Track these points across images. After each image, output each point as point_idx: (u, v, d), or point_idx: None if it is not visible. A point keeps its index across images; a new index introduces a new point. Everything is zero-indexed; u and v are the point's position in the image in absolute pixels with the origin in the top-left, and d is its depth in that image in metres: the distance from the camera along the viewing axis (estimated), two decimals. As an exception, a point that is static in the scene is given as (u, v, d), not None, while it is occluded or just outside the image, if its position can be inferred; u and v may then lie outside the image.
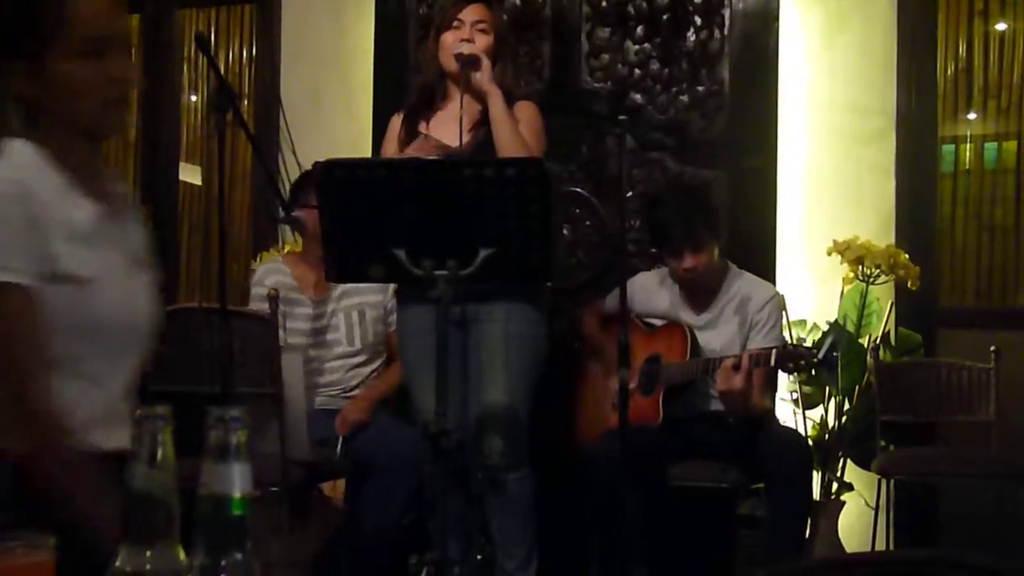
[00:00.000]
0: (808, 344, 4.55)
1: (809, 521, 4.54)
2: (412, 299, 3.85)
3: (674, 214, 4.30)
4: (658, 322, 4.41)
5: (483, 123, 3.98)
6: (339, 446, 4.35)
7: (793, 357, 3.96)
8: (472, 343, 3.95)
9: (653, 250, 4.67)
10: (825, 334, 4.64)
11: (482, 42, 3.99)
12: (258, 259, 4.99)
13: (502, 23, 4.19)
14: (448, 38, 4.01)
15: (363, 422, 4.40)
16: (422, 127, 4.09)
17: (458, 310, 3.90)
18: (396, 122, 4.16)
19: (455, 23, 4.02)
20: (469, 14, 4.03)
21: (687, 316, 4.35)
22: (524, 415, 3.95)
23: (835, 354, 3.90)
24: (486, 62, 3.94)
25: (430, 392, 3.46)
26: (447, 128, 4.02)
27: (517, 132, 3.91)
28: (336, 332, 4.56)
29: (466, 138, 3.94)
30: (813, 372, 4.34)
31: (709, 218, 4.31)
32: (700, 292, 4.37)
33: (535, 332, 3.97)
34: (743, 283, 4.37)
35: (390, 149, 4.11)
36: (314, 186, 4.32)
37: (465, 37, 3.98)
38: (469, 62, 3.94)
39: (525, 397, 3.95)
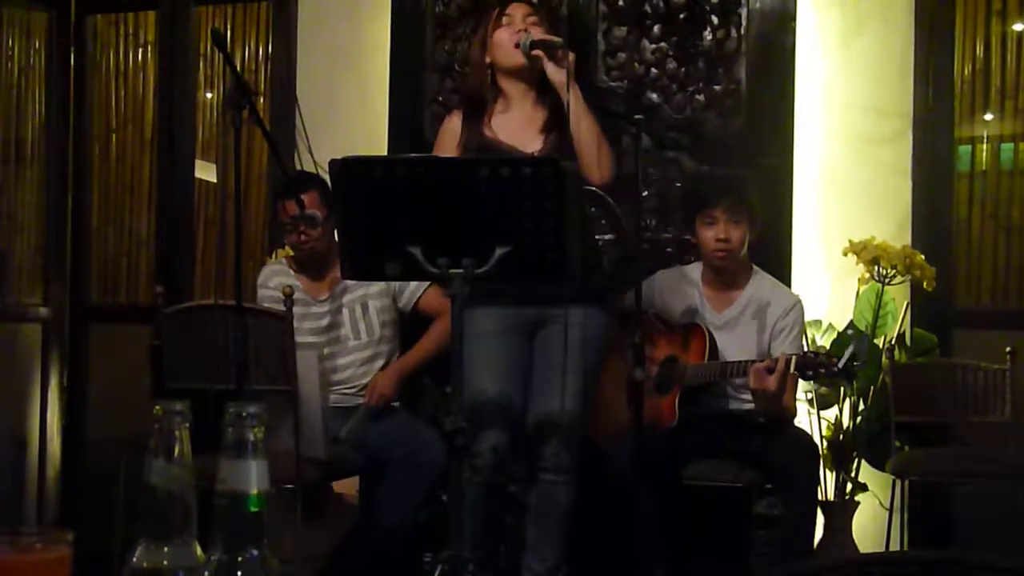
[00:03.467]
0: (827, 347, 4.56)
1: (822, 522, 4.54)
2: (480, 300, 3.71)
3: (719, 179, 4.31)
4: (678, 321, 4.40)
5: (553, 124, 3.95)
6: (349, 431, 4.34)
7: (814, 365, 3.96)
8: (540, 346, 3.96)
9: (669, 248, 4.67)
10: (843, 338, 4.64)
11: (539, 34, 3.92)
12: (273, 257, 5.00)
13: (544, 18, 4.15)
14: (503, 35, 3.96)
15: (389, 396, 4.41)
16: (487, 131, 4.02)
17: (530, 312, 3.91)
18: (455, 122, 4.08)
19: (505, 19, 3.98)
20: (517, 9, 3.99)
21: (707, 315, 4.35)
22: (586, 420, 3.97)
23: (856, 363, 3.90)
24: (571, 56, 3.87)
25: (489, 383, 3.53)
26: (515, 132, 3.98)
27: (602, 140, 3.89)
28: (344, 328, 4.57)
29: (538, 142, 3.92)
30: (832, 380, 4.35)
31: (749, 201, 4.31)
32: (723, 289, 4.36)
33: (602, 336, 3.98)
34: (766, 287, 4.36)
35: (447, 150, 4.04)
36: (315, 185, 4.35)
37: (521, 28, 3.95)
38: (550, 48, 3.87)
39: (586, 403, 3.96)
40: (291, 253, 4.69)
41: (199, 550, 1.18)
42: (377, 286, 4.56)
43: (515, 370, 3.93)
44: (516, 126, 3.98)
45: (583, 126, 3.87)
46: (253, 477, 1.18)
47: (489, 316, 3.80)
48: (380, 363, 4.58)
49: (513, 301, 3.90)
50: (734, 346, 4.27)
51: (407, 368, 4.55)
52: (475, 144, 3.99)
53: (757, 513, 4.42)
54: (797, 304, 4.33)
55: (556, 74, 3.87)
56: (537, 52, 3.88)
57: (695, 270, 4.46)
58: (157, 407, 1.19)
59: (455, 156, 3.96)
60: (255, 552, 1.18)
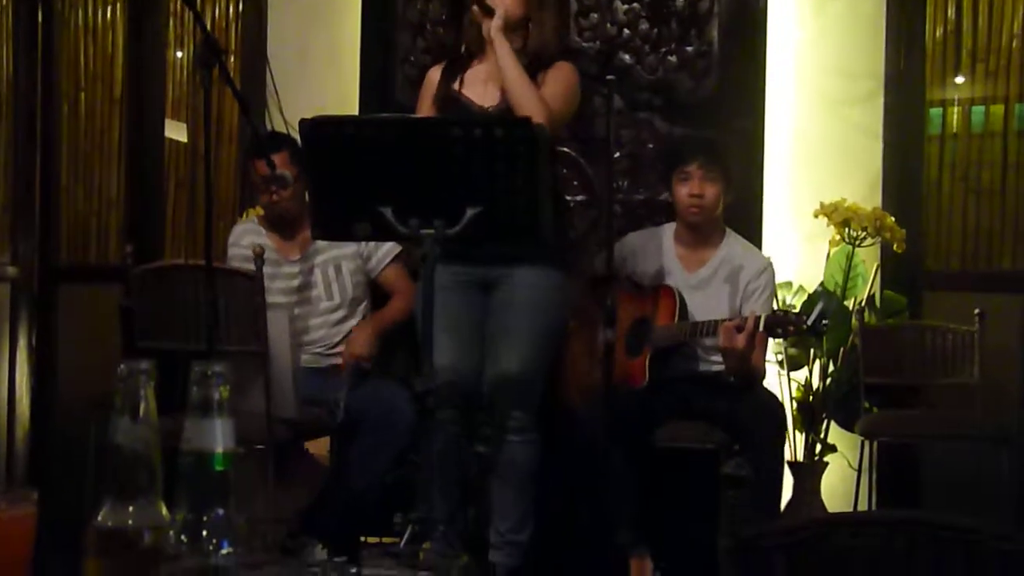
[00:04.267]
0: (796, 308, 4.58)
1: (791, 482, 4.57)
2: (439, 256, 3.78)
3: (696, 136, 4.31)
4: (648, 283, 4.41)
5: None
6: (341, 403, 4.33)
7: (783, 323, 3.98)
8: (494, 306, 3.96)
9: (641, 210, 4.67)
10: (813, 298, 4.66)
11: None
12: (244, 216, 4.98)
13: None
14: None
15: (365, 355, 4.41)
16: (457, 83, 4.05)
17: (481, 271, 3.91)
18: (434, 76, 4.11)
19: None
20: None
21: (679, 275, 4.35)
22: (541, 381, 3.98)
23: (824, 322, 3.91)
24: (500, 11, 3.88)
25: (444, 349, 3.51)
26: (478, 88, 4.00)
27: (529, 89, 3.86)
28: (316, 288, 4.55)
29: (497, 97, 3.92)
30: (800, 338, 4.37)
31: (716, 156, 4.34)
32: (696, 249, 4.37)
33: (556, 297, 3.98)
34: (738, 249, 4.37)
35: (425, 105, 4.08)
36: (287, 145, 4.33)
37: None
38: (485, 8, 3.90)
39: (544, 363, 3.97)
40: (262, 212, 4.67)
41: (164, 509, 1.17)
42: (349, 247, 4.54)
43: (469, 326, 3.95)
44: (482, 80, 3.98)
45: (507, 80, 3.87)
46: (218, 436, 1.18)
47: (443, 273, 3.79)
48: (351, 323, 4.57)
49: (466, 260, 3.90)
50: (706, 307, 4.28)
51: (379, 328, 4.54)
52: (442, 97, 4.03)
53: (724, 474, 4.43)
54: (768, 267, 4.35)
55: (487, 32, 3.90)
56: (474, 8, 3.89)
57: (667, 231, 4.47)
58: (122, 366, 1.18)
59: (429, 114, 3.96)
60: (221, 511, 1.18)
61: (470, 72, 4.06)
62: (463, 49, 4.12)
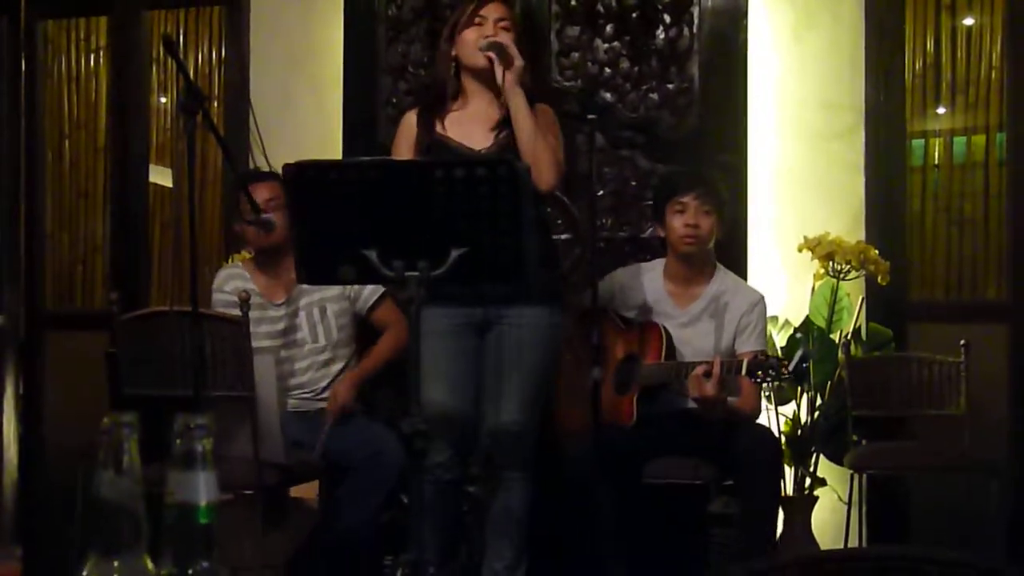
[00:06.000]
0: (783, 343, 4.59)
1: (781, 517, 4.57)
2: (428, 300, 3.78)
3: (691, 168, 4.46)
4: (637, 319, 4.40)
5: (505, 124, 3.95)
6: (319, 445, 4.34)
7: (763, 367, 3.97)
8: (489, 347, 3.96)
9: (626, 247, 4.68)
10: (794, 342, 4.68)
11: (506, 40, 3.93)
12: (229, 261, 4.98)
13: (520, 22, 4.16)
14: (470, 35, 3.95)
15: (349, 404, 4.40)
16: (439, 128, 4.04)
17: (475, 312, 3.92)
18: (411, 119, 4.09)
19: (477, 20, 3.97)
20: (491, 11, 3.98)
21: (670, 311, 4.35)
22: (536, 421, 3.98)
23: (805, 365, 3.92)
24: (519, 61, 3.88)
25: (438, 393, 3.51)
26: (466, 129, 4.00)
27: (541, 134, 3.87)
28: (301, 331, 4.55)
29: (489, 139, 3.93)
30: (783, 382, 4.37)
31: (720, 193, 4.36)
32: (687, 284, 4.37)
33: (552, 334, 3.98)
34: (729, 283, 4.37)
35: (403, 148, 4.06)
36: (273, 179, 4.34)
37: (490, 34, 3.95)
38: (503, 53, 3.88)
39: (541, 403, 3.98)
40: (247, 256, 4.67)
41: (150, 564, 1.17)
42: (334, 289, 4.54)
43: (465, 371, 3.95)
44: (469, 123, 3.99)
45: (524, 133, 3.87)
46: (201, 488, 1.17)
47: (437, 316, 3.79)
48: (338, 366, 4.57)
49: (461, 301, 3.91)
50: (697, 343, 4.28)
51: (363, 376, 4.54)
52: (426, 141, 4.01)
53: (711, 512, 4.44)
54: (760, 301, 4.35)
55: (506, 82, 3.89)
56: (489, 54, 3.89)
57: (655, 267, 4.47)
58: (105, 419, 1.18)
59: (410, 157, 3.97)
60: (206, 564, 1.18)
61: (452, 115, 4.06)
62: (439, 88, 4.13)
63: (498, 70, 3.89)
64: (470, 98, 4.02)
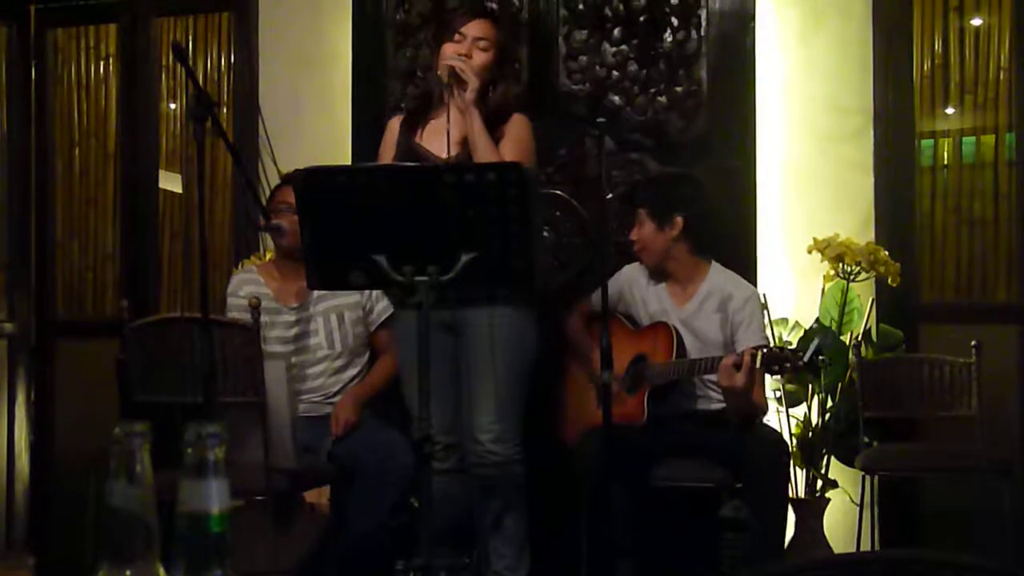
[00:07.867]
0: (793, 344, 4.59)
1: (793, 519, 4.56)
2: (404, 302, 3.82)
3: (630, 191, 4.54)
4: (644, 320, 4.42)
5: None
6: (327, 451, 4.34)
7: (779, 359, 3.97)
8: (462, 348, 3.97)
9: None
10: (809, 334, 4.66)
11: (480, 59, 3.98)
12: (239, 267, 4.98)
13: (506, 41, 4.19)
14: (447, 49, 4.00)
15: (353, 421, 4.40)
16: (417, 135, 4.09)
17: (448, 314, 3.92)
18: (395, 126, 4.16)
19: (457, 36, 4.01)
20: (472, 28, 4.01)
21: (671, 310, 4.38)
22: (516, 412, 3.97)
23: (820, 357, 3.92)
24: (473, 83, 3.93)
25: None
26: (437, 139, 4.02)
27: (492, 152, 3.91)
28: (316, 337, 4.55)
29: (454, 150, 3.94)
30: (797, 374, 4.37)
31: (658, 198, 4.40)
32: (679, 284, 4.40)
33: (522, 332, 3.98)
34: (723, 280, 4.39)
35: (387, 154, 4.11)
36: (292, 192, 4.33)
37: (463, 52, 3.97)
38: (457, 79, 3.93)
39: (519, 396, 3.97)
40: (258, 262, 4.67)
41: (162, 573, 1.17)
42: (351, 297, 4.55)
43: (440, 373, 3.95)
44: (441, 134, 4.01)
45: (477, 152, 3.91)
46: (213, 497, 1.17)
47: (411, 318, 3.80)
48: (352, 372, 4.57)
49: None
50: (696, 340, 4.29)
51: (364, 394, 4.54)
52: (404, 149, 4.07)
53: (722, 516, 4.43)
54: (753, 295, 4.36)
55: (459, 102, 3.94)
56: (449, 80, 3.95)
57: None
58: (116, 429, 1.18)
59: (414, 163, 3.98)
60: (219, 573, 1.18)
61: (431, 124, 4.11)
62: (421, 99, 4.18)
63: (456, 93, 3.92)
64: (449, 109, 4.04)
